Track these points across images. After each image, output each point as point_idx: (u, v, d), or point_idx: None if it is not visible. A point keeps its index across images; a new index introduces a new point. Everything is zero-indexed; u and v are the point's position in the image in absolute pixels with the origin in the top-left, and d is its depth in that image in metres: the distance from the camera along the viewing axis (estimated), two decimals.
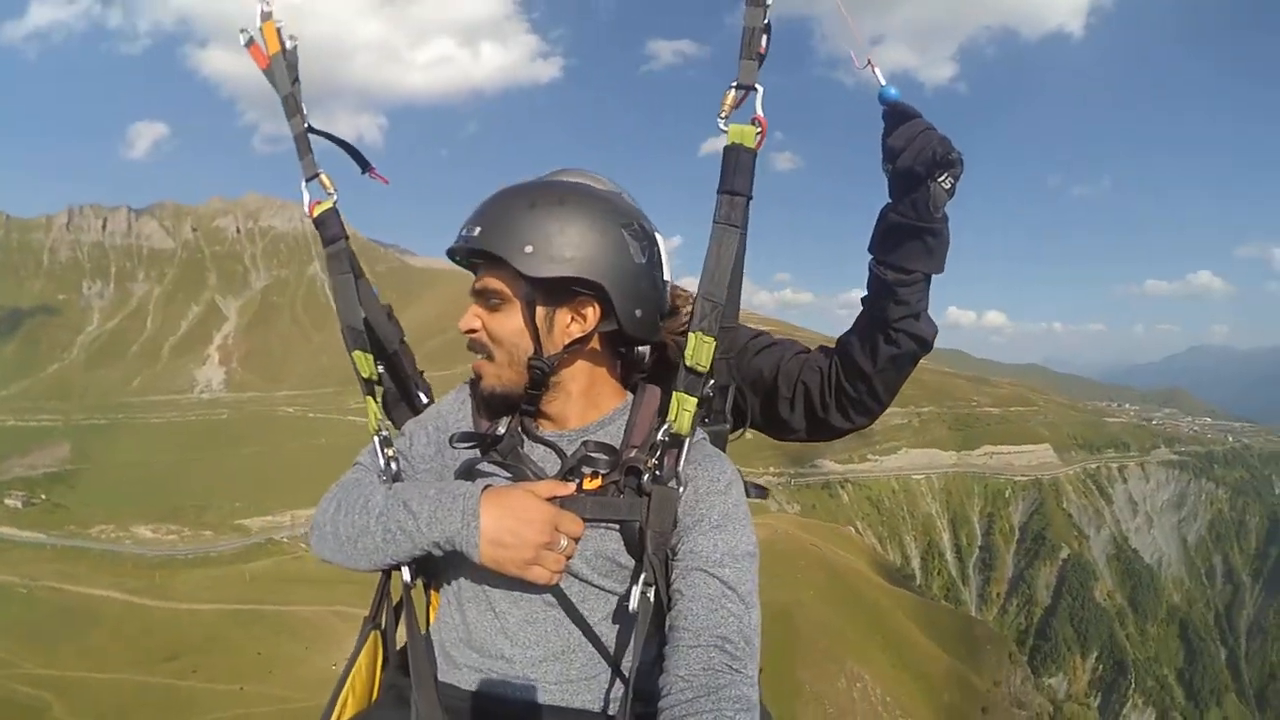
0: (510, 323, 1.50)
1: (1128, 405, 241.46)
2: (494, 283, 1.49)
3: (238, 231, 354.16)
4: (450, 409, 1.74)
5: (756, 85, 1.53)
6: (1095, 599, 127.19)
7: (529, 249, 1.42)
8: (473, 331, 1.54)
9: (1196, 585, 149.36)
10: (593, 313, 1.49)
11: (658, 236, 1.59)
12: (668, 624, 1.34)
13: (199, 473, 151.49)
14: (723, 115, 1.54)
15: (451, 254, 1.58)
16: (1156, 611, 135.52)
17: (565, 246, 1.43)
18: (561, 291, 1.47)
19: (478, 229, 1.46)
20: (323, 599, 74.31)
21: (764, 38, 1.55)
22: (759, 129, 1.52)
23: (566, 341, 1.51)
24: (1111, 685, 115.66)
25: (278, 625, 69.82)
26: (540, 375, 1.51)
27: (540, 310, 1.48)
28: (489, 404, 1.59)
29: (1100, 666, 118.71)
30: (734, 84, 1.54)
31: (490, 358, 1.54)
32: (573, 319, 1.50)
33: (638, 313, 1.51)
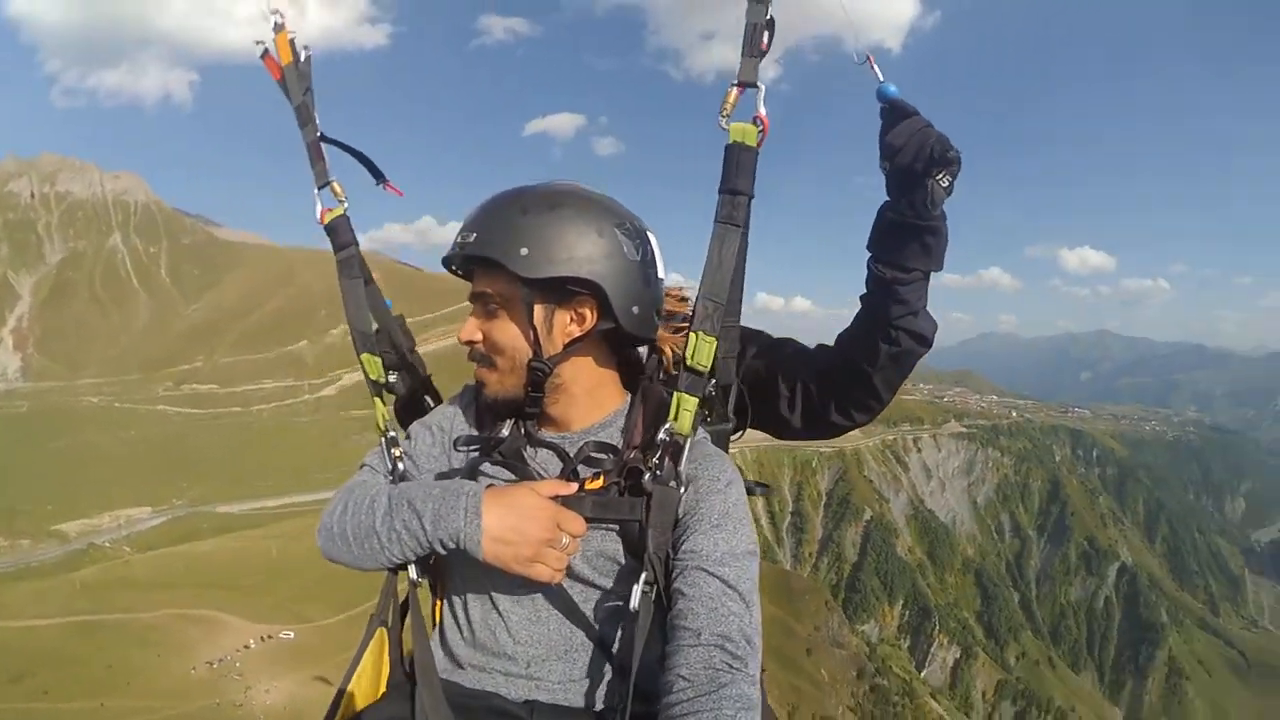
0: (510, 327, 1.51)
1: (922, 384, 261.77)
2: (491, 287, 1.51)
3: (32, 196, 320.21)
4: (454, 411, 1.75)
5: (759, 83, 1.52)
6: (898, 554, 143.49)
7: (524, 251, 1.43)
8: (473, 342, 1.56)
9: (988, 540, 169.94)
10: (590, 312, 1.51)
11: (650, 235, 1.59)
12: (668, 623, 1.34)
13: (3, 474, 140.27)
14: (724, 114, 1.52)
15: (447, 263, 1.58)
16: (953, 563, 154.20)
17: (561, 248, 1.44)
18: (559, 292, 1.49)
19: (473, 235, 1.48)
20: (163, 603, 72.52)
21: (765, 34, 1.53)
22: (760, 128, 1.51)
23: (565, 342, 1.53)
24: (918, 628, 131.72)
25: (123, 634, 67.16)
26: (540, 377, 1.52)
27: (539, 312, 1.49)
28: (493, 410, 1.62)
29: (907, 613, 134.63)
30: (735, 81, 1.52)
31: (493, 365, 1.55)
32: (571, 319, 1.52)
33: (635, 310, 1.52)
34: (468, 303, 1.56)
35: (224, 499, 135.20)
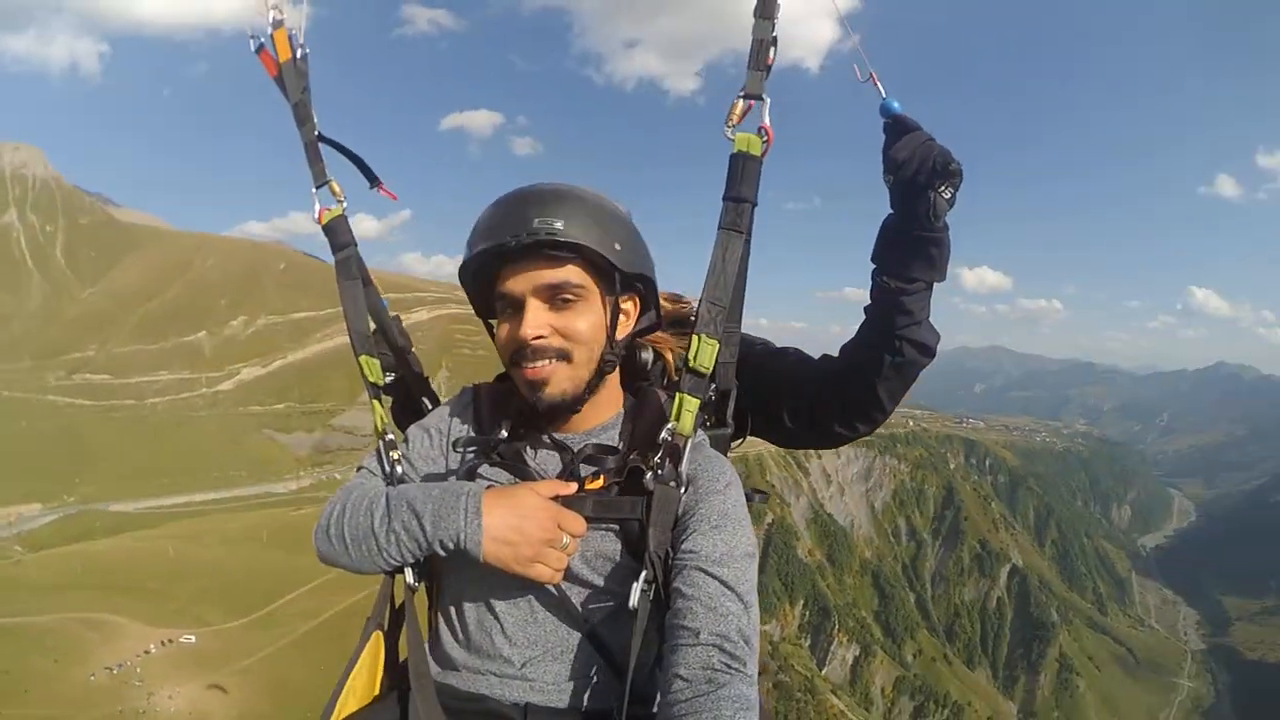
0: (589, 317, 1.50)
1: None
2: (576, 275, 1.47)
3: None
4: (453, 413, 1.75)
5: (764, 96, 1.55)
6: (798, 556, 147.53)
7: (618, 245, 1.46)
8: (541, 337, 1.49)
9: (885, 543, 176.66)
10: (634, 308, 1.60)
11: None
12: (667, 623, 1.33)
13: None
14: (730, 124, 1.56)
15: (500, 247, 1.46)
16: (852, 565, 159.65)
17: (639, 245, 1.53)
18: (627, 287, 1.55)
19: (558, 222, 1.42)
20: (61, 606, 70.41)
21: (771, 50, 1.57)
22: (765, 138, 1.56)
23: (620, 336, 1.57)
24: (819, 628, 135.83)
25: (19, 639, 64.13)
26: (609, 368, 1.55)
27: (612, 304, 1.53)
28: (554, 410, 1.55)
29: (807, 613, 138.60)
30: (741, 93, 1.56)
31: (569, 359, 1.50)
32: (623, 314, 1.57)
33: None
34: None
35: (117, 496, 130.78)
